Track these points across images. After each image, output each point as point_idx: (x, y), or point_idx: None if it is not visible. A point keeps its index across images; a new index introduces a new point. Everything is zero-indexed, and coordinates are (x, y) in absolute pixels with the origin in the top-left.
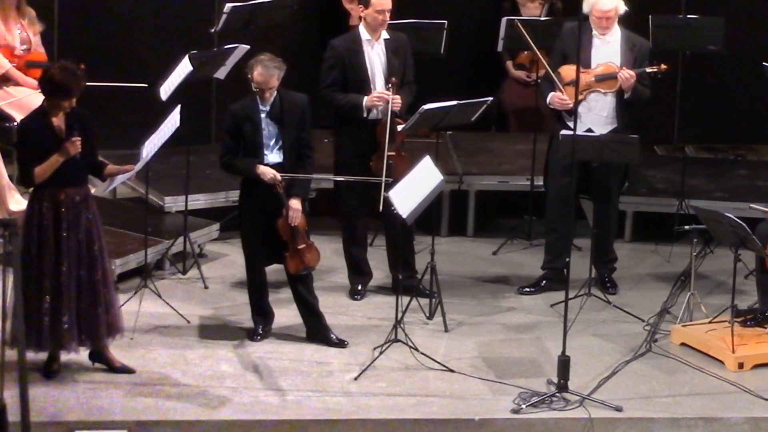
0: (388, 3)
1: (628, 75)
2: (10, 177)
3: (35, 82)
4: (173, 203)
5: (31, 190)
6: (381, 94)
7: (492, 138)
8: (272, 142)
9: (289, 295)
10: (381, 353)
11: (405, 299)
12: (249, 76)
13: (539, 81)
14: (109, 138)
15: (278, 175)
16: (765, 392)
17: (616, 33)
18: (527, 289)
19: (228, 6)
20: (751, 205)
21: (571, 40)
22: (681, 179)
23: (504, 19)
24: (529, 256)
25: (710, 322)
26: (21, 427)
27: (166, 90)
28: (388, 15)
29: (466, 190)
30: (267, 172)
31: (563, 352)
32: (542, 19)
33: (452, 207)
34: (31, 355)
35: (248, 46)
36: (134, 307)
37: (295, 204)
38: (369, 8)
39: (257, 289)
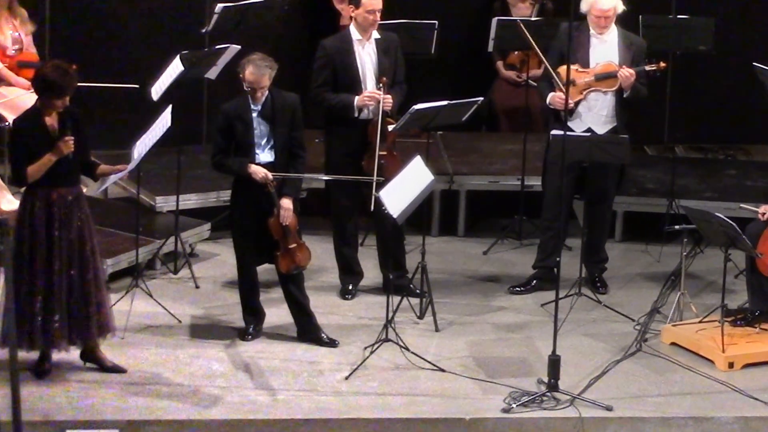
0: (378, 3)
1: (628, 74)
2: (2, 177)
3: (27, 82)
4: (164, 203)
5: (23, 189)
6: (372, 93)
7: (483, 138)
8: (264, 142)
9: (280, 294)
10: (372, 353)
11: (396, 299)
12: (241, 75)
13: (530, 81)
14: (100, 138)
15: (270, 175)
16: (755, 392)
17: (613, 32)
18: (518, 289)
19: (219, 6)
20: (741, 205)
21: (568, 41)
22: (671, 179)
23: (494, 20)
24: (520, 256)
25: (700, 322)
26: (12, 427)
27: (157, 90)
28: (378, 15)
29: (457, 189)
30: (258, 172)
31: (553, 351)
32: (533, 19)
33: (443, 207)
34: (22, 355)
35: (239, 47)
36: (125, 307)
37: (287, 203)
38: (360, 8)
39: (248, 289)
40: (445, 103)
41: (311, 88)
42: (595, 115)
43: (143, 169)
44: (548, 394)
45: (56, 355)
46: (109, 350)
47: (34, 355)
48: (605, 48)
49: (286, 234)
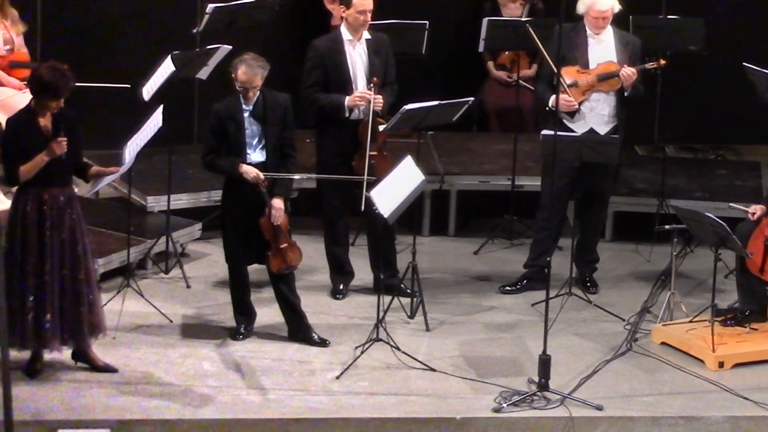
0: (369, 3)
1: (630, 73)
2: None
3: (19, 83)
4: (156, 203)
5: (15, 189)
6: (363, 94)
7: (473, 138)
8: (255, 142)
9: (271, 294)
10: (363, 352)
11: (386, 298)
12: (233, 75)
13: (520, 81)
14: (91, 138)
15: (261, 175)
16: (745, 391)
17: (609, 32)
18: (508, 289)
19: (210, 6)
20: (731, 204)
21: (565, 42)
22: (661, 179)
23: (485, 20)
24: (510, 256)
25: (690, 322)
26: (4, 426)
27: (148, 90)
28: (369, 15)
29: (448, 189)
30: (249, 172)
31: (544, 351)
32: (523, 19)
33: (434, 207)
34: (14, 354)
35: (230, 47)
36: (117, 307)
37: (278, 203)
38: (350, 9)
39: (239, 289)
40: (435, 103)
41: (302, 88)
42: (597, 115)
43: (134, 169)
44: (539, 393)
45: (48, 355)
46: (100, 350)
47: (25, 354)
48: (603, 48)
49: (277, 234)
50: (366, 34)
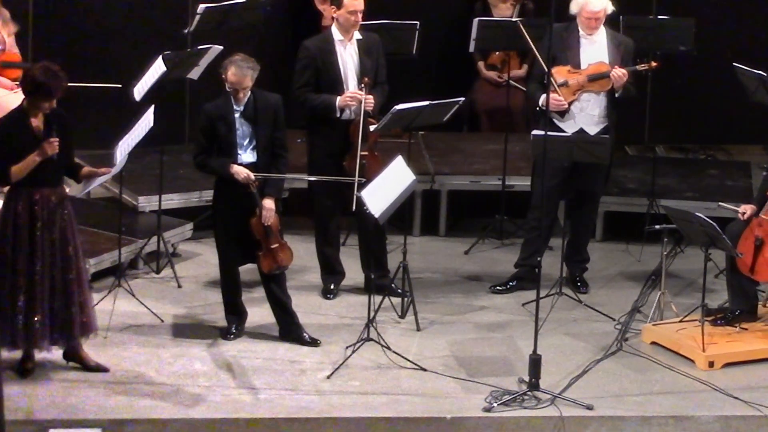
0: (360, 4)
1: (621, 74)
2: None
3: (10, 83)
4: (147, 203)
5: (6, 189)
6: (354, 94)
7: (464, 138)
8: (246, 142)
9: (262, 294)
10: (353, 352)
11: (377, 298)
12: (223, 76)
13: (511, 81)
14: (83, 138)
15: (252, 175)
16: (735, 391)
17: (601, 32)
18: (499, 288)
19: (201, 7)
20: (720, 204)
21: (557, 41)
22: (652, 179)
23: (476, 20)
24: (501, 255)
25: (681, 321)
26: None
27: (139, 90)
28: (360, 16)
29: (438, 189)
30: (240, 172)
31: (534, 350)
32: (514, 20)
33: (424, 207)
34: (5, 354)
35: (221, 47)
36: (108, 306)
37: (269, 203)
38: (341, 9)
39: (230, 288)
40: (426, 103)
41: (293, 88)
42: (587, 115)
43: (126, 169)
44: (529, 393)
45: (39, 355)
46: (92, 350)
47: (17, 354)
48: (595, 48)
49: (268, 234)
50: (357, 35)
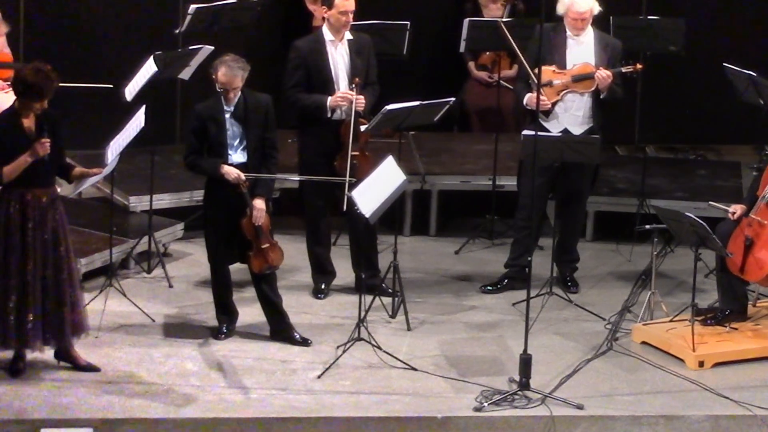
0: (351, 4)
1: (605, 75)
2: None
3: (1, 83)
4: (138, 203)
5: None
6: (345, 94)
7: (454, 138)
8: (236, 142)
9: (253, 293)
10: (344, 352)
11: (368, 298)
12: (213, 76)
13: (502, 81)
14: (74, 138)
15: (242, 175)
16: (725, 390)
17: (589, 33)
18: (489, 288)
19: (192, 7)
20: (710, 203)
21: (545, 42)
22: (642, 179)
23: (466, 20)
24: (492, 255)
25: (671, 321)
26: None
27: (131, 90)
28: (351, 16)
29: (429, 189)
30: (231, 172)
31: (525, 350)
32: (504, 20)
33: (415, 206)
34: None
35: (212, 47)
36: (99, 306)
37: (259, 204)
38: (332, 9)
39: (221, 288)
40: (417, 103)
41: (284, 88)
42: (571, 115)
43: (117, 169)
44: (520, 392)
45: (30, 354)
46: (83, 349)
47: (8, 354)
48: (582, 49)
49: (258, 234)
50: (348, 35)
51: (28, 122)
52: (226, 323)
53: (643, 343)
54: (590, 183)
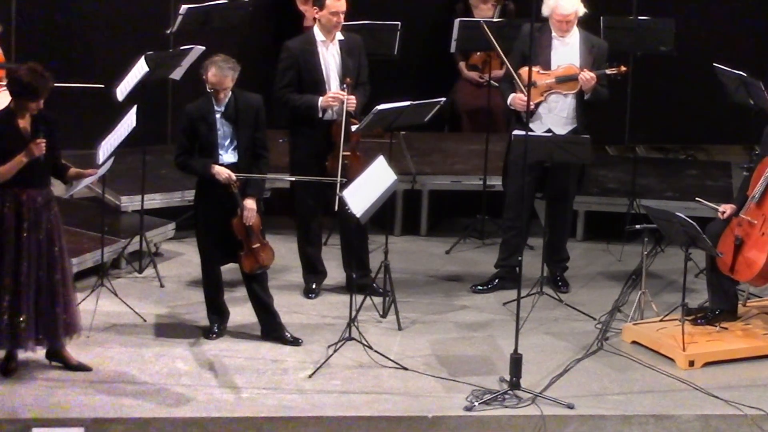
0: (342, 5)
1: (589, 77)
2: None
3: None
4: (129, 203)
5: None
6: (336, 94)
7: (445, 138)
8: (227, 143)
9: (244, 293)
10: (335, 351)
11: (359, 298)
12: (203, 77)
13: (492, 82)
14: (65, 138)
15: (233, 175)
16: (715, 390)
17: (575, 35)
18: (480, 288)
19: (183, 7)
20: (698, 199)
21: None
22: (632, 179)
23: (457, 21)
24: (482, 255)
25: (661, 321)
26: None
27: (122, 90)
28: (342, 17)
29: (420, 189)
30: (222, 172)
31: (515, 350)
32: (495, 20)
33: (406, 206)
34: None
35: (204, 47)
36: (91, 306)
37: (250, 204)
38: (324, 10)
39: (212, 288)
40: (407, 103)
41: (276, 89)
42: (555, 116)
43: (108, 169)
44: (510, 392)
45: (22, 354)
46: (74, 349)
47: (0, 353)
48: (567, 50)
49: (249, 234)
50: (339, 35)
51: (24, 123)
52: (217, 323)
53: (634, 342)
54: (576, 182)
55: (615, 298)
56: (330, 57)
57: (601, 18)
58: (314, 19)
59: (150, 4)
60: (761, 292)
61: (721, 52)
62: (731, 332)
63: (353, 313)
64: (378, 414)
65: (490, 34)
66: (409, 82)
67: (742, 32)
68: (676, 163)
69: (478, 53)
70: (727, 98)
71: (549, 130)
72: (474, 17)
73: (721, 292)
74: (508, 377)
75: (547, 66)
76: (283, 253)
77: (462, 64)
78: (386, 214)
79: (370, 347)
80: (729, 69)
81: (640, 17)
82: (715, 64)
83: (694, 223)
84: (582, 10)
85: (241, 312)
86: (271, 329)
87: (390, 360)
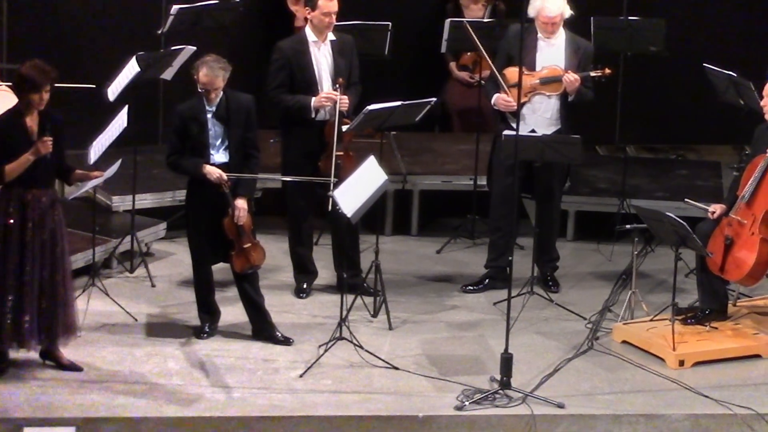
0: (334, 5)
1: (573, 79)
2: None
3: None
4: (121, 202)
5: None
6: (329, 94)
7: (435, 138)
8: (218, 142)
9: (235, 293)
10: (326, 351)
11: (350, 297)
12: (195, 77)
13: (482, 82)
14: None
15: (224, 175)
16: (705, 389)
17: (560, 36)
18: (470, 288)
19: (175, 8)
20: (686, 200)
21: (516, 42)
22: (622, 179)
23: (447, 21)
24: (473, 255)
25: (651, 320)
26: None
27: (113, 90)
28: (334, 17)
29: (410, 189)
30: (213, 172)
31: (506, 349)
32: (485, 20)
33: (396, 206)
34: None
35: (195, 48)
36: (82, 306)
37: (241, 203)
38: (316, 11)
39: (204, 288)
40: (398, 103)
41: (268, 89)
42: (539, 117)
43: (99, 169)
44: (501, 391)
45: (13, 354)
46: (66, 348)
47: None
48: (552, 51)
49: (240, 234)
50: (331, 35)
51: (31, 122)
52: (208, 322)
53: (624, 342)
54: (562, 182)
55: (605, 298)
56: (322, 57)
57: (591, 18)
58: (305, 19)
59: (141, 5)
60: (751, 292)
61: (711, 52)
62: (721, 332)
63: (344, 313)
64: (369, 413)
65: (473, 35)
66: (399, 83)
67: (732, 32)
68: (666, 163)
69: (469, 53)
70: (717, 98)
71: (533, 131)
72: (465, 17)
73: (711, 292)
74: (498, 377)
75: (531, 67)
76: (274, 252)
77: (452, 65)
78: (377, 214)
79: (360, 347)
80: (719, 69)
81: (630, 17)
82: (705, 65)
83: (684, 223)
84: (568, 12)
85: (232, 311)
86: (262, 329)
87: (381, 359)
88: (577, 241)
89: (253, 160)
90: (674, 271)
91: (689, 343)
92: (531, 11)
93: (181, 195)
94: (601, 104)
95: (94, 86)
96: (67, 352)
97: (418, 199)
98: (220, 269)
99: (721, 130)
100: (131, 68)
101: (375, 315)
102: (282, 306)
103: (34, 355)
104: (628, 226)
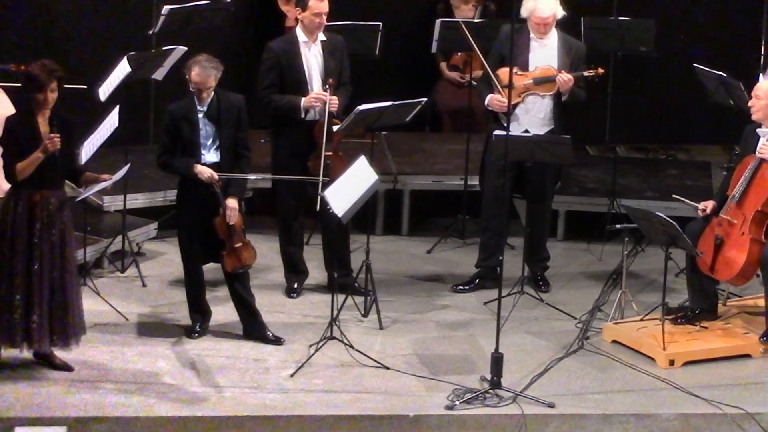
0: (325, 6)
1: (566, 79)
2: None
3: None
4: (112, 202)
5: (7, 189)
6: (319, 95)
7: (426, 138)
8: (209, 142)
9: (226, 292)
10: (317, 350)
11: (340, 297)
12: (186, 76)
13: (473, 82)
14: None
15: (215, 175)
16: (695, 389)
17: (553, 36)
18: (461, 287)
19: (166, 8)
20: (675, 196)
21: (509, 43)
22: (612, 179)
23: (438, 21)
24: (463, 255)
25: (641, 320)
26: None
27: (104, 91)
28: (324, 18)
29: (401, 189)
30: (204, 172)
31: (496, 349)
32: (476, 21)
33: (387, 206)
34: None
35: (186, 48)
36: None
37: (232, 203)
38: (306, 11)
39: (195, 287)
40: (389, 103)
41: (258, 89)
42: (532, 117)
43: (91, 169)
44: (491, 391)
45: (5, 353)
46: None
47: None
48: (545, 52)
49: (231, 233)
50: (321, 36)
51: (42, 121)
52: (199, 322)
53: (614, 341)
54: (553, 182)
55: (595, 298)
56: (312, 58)
57: (582, 18)
58: (296, 19)
59: (132, 5)
60: (741, 292)
61: (701, 52)
62: (711, 331)
63: (335, 313)
64: (359, 413)
65: (469, 35)
66: (390, 83)
67: (723, 33)
68: (656, 163)
69: (459, 54)
70: (706, 98)
71: (526, 131)
72: (455, 18)
73: (701, 292)
74: (489, 376)
75: (525, 67)
76: (265, 252)
77: (443, 65)
78: (368, 214)
79: (351, 346)
80: (709, 69)
81: (620, 18)
82: (695, 65)
83: (674, 223)
84: (560, 13)
85: (223, 311)
86: (253, 328)
87: (371, 359)
88: (568, 241)
89: (244, 159)
90: (664, 271)
91: (679, 342)
92: (524, 12)
93: (172, 195)
94: (591, 104)
95: (85, 86)
96: (59, 351)
97: (409, 199)
98: (211, 269)
99: (710, 130)
100: (122, 68)
101: (366, 315)
102: (273, 305)
103: (25, 354)
104: (618, 226)
